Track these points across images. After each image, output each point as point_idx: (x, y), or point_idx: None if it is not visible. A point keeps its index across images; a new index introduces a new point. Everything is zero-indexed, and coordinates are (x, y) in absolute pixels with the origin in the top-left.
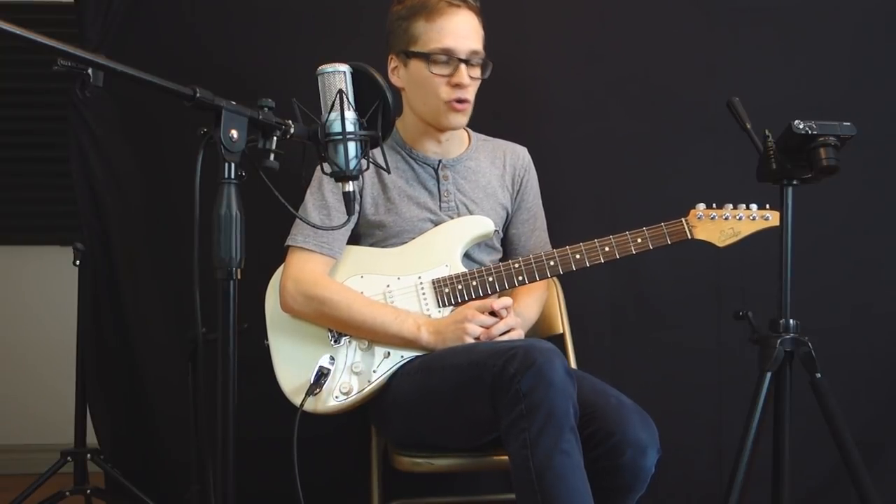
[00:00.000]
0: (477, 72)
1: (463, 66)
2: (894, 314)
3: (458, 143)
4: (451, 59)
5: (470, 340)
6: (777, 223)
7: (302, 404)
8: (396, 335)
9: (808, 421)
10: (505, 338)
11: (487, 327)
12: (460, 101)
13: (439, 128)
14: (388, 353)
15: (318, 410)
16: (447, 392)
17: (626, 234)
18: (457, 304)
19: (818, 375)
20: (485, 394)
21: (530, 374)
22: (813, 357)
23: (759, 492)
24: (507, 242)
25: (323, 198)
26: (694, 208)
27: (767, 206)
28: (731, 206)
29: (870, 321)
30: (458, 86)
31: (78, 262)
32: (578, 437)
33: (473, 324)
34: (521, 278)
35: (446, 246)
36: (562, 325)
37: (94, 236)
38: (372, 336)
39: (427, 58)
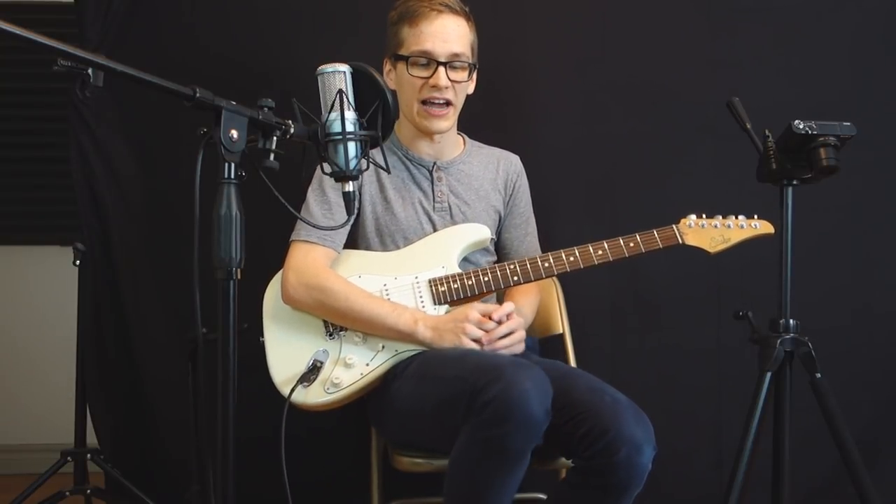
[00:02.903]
0: (459, 74)
1: (441, 69)
2: (894, 314)
3: (453, 146)
4: (429, 61)
5: (467, 342)
6: (768, 231)
7: (290, 394)
8: (392, 328)
9: (808, 421)
10: (506, 341)
11: (487, 331)
12: (435, 101)
13: (422, 131)
14: (382, 346)
15: (309, 403)
16: (434, 403)
17: (619, 239)
18: (452, 303)
19: (818, 375)
20: (462, 408)
21: (503, 408)
22: (813, 357)
23: (759, 492)
24: (499, 247)
25: (325, 195)
26: (685, 217)
27: (755, 215)
28: (720, 216)
29: (870, 321)
30: (434, 87)
31: (78, 262)
32: (526, 465)
33: (472, 325)
34: (516, 278)
35: (444, 250)
36: (562, 325)
37: (94, 236)
38: (369, 328)
39: (407, 60)
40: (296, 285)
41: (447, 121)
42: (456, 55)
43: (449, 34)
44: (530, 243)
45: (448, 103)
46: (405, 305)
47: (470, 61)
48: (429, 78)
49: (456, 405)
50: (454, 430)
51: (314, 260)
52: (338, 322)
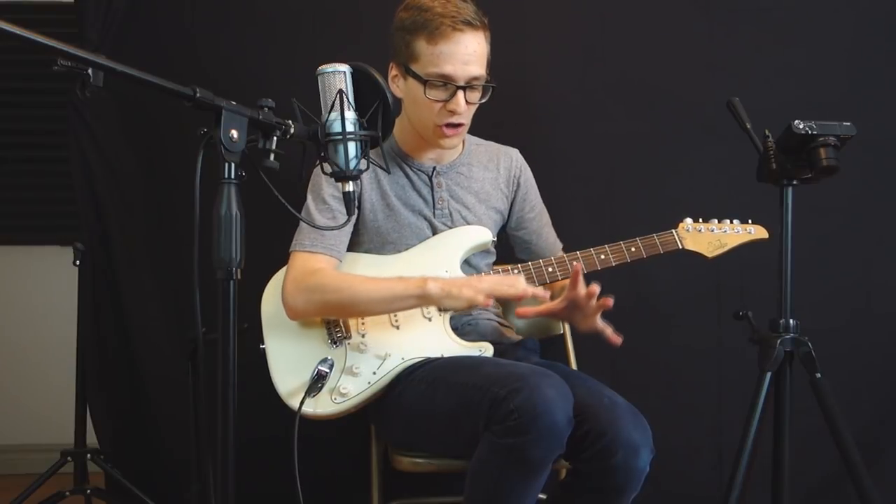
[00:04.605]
0: (475, 95)
1: (460, 93)
2: (894, 314)
3: (453, 149)
4: (448, 84)
5: (480, 298)
6: (762, 236)
7: (300, 407)
8: (403, 296)
9: (808, 421)
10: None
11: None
12: (451, 125)
13: (432, 145)
14: (388, 354)
15: (318, 413)
16: (449, 409)
17: (621, 244)
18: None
19: (818, 375)
20: (481, 416)
21: (527, 418)
22: (813, 357)
23: (759, 492)
24: (520, 243)
25: (324, 201)
26: (682, 222)
27: (750, 220)
28: (716, 220)
29: (870, 321)
30: (452, 111)
31: (78, 262)
32: (546, 475)
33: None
34: None
35: (446, 253)
36: (562, 325)
37: (94, 236)
38: (383, 307)
39: (424, 82)
40: (294, 294)
41: (459, 137)
42: (475, 78)
43: (470, 56)
44: (548, 233)
45: (462, 125)
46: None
47: (486, 82)
48: (446, 101)
49: (474, 413)
50: (469, 436)
51: (311, 266)
52: (350, 316)
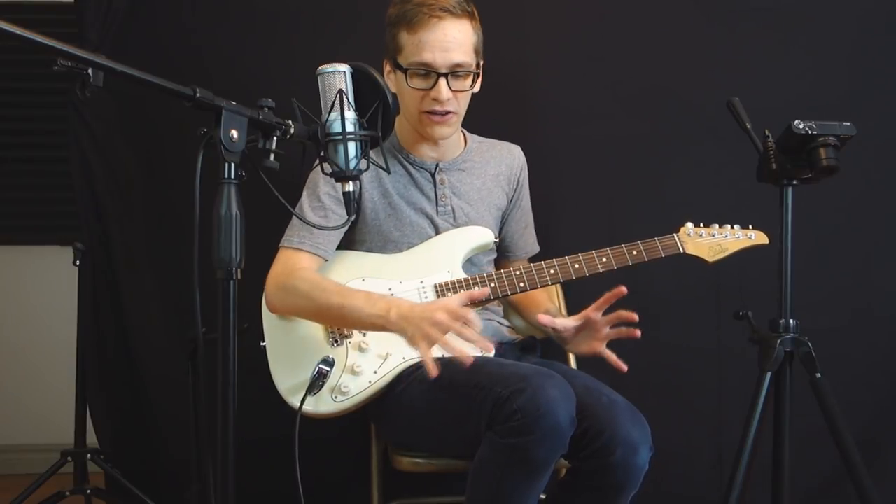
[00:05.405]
0: (461, 83)
1: (442, 81)
2: (894, 314)
3: (455, 146)
4: (429, 73)
5: (434, 337)
6: (763, 242)
7: (301, 405)
8: (368, 317)
9: (808, 421)
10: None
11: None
12: (435, 112)
13: (425, 137)
14: (389, 353)
15: (318, 412)
16: (450, 409)
17: (622, 247)
18: None
19: (818, 375)
20: (484, 416)
21: (530, 418)
22: (813, 357)
23: (759, 492)
24: (500, 239)
25: (319, 199)
26: (683, 226)
27: (751, 225)
28: (717, 225)
29: (870, 321)
30: (435, 100)
31: (78, 262)
32: (549, 475)
33: (437, 328)
34: (521, 285)
35: (448, 253)
36: None
37: (94, 236)
38: (347, 322)
39: (406, 71)
40: (272, 290)
41: (450, 127)
42: (458, 65)
43: (449, 43)
44: (529, 235)
45: (449, 113)
46: (381, 294)
47: (472, 69)
48: (429, 90)
49: (476, 413)
50: (470, 436)
51: (293, 264)
52: (317, 321)
